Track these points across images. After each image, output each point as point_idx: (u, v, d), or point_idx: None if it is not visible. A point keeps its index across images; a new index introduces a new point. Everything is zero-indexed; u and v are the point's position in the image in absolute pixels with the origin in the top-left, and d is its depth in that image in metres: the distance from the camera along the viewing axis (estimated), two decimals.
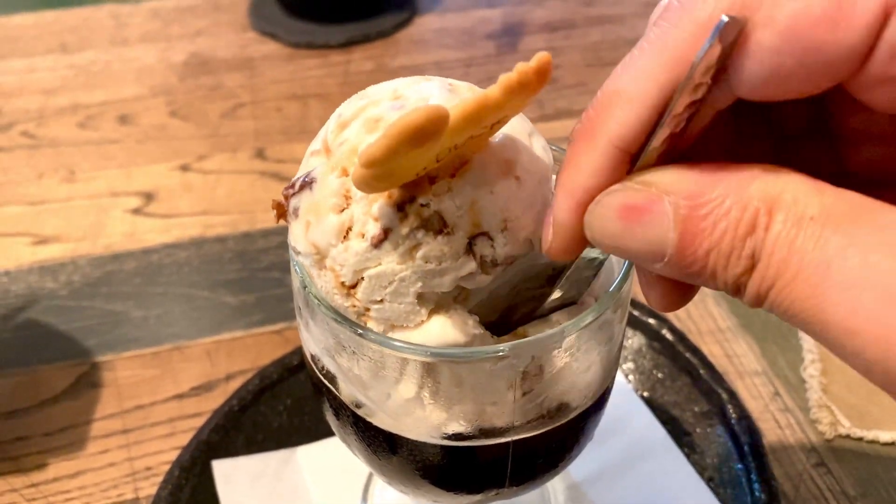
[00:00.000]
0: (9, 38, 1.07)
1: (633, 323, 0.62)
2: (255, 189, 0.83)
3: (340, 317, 0.35)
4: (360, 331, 0.34)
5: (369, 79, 0.99)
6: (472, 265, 0.33)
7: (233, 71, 1.00)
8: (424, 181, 0.32)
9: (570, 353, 0.35)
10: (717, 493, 0.53)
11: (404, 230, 0.32)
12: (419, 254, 0.32)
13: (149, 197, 0.82)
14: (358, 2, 1.08)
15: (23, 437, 0.61)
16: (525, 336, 0.35)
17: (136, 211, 0.80)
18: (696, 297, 0.69)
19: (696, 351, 0.60)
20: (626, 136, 0.27)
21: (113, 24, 1.10)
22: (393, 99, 0.34)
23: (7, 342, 0.68)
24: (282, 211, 0.36)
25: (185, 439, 0.59)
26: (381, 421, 0.37)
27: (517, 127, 0.35)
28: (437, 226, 0.32)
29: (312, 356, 0.39)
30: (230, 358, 0.66)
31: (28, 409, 0.63)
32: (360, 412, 0.38)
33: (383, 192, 0.32)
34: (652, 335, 0.61)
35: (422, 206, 0.32)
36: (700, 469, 0.55)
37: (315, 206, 0.34)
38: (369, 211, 0.33)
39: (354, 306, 0.34)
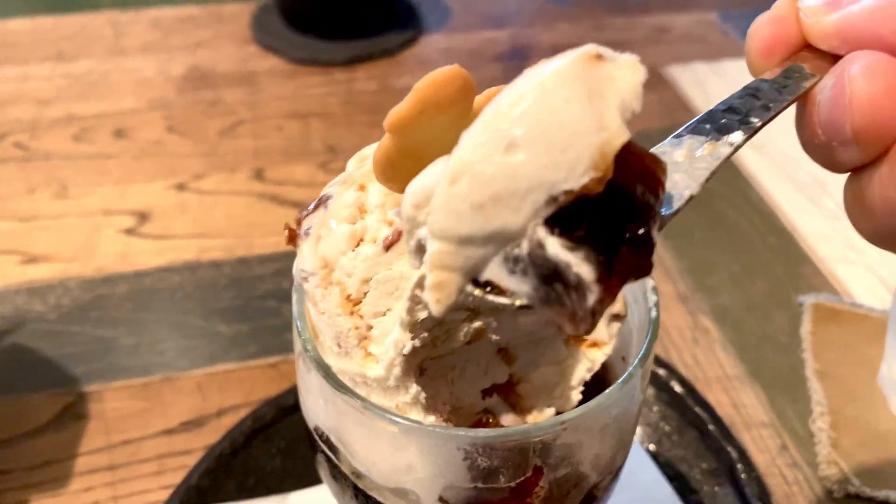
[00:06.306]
0: (4, 43, 1.05)
1: None
2: (253, 212, 0.81)
3: (345, 387, 0.33)
4: (369, 406, 0.32)
5: (373, 99, 0.97)
6: None
7: (233, 86, 0.98)
8: None
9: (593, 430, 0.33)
10: None
11: None
12: None
13: (143, 217, 0.80)
14: (363, 18, 1.06)
15: (4, 470, 0.58)
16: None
17: (130, 231, 0.78)
18: (704, 343, 0.68)
19: (704, 404, 0.58)
20: None
21: (111, 33, 1.07)
22: None
23: None
24: (293, 235, 0.34)
25: (173, 478, 0.57)
26: (382, 495, 0.35)
27: None
28: None
29: (315, 428, 0.37)
30: (222, 392, 0.64)
31: (10, 440, 0.60)
32: (360, 483, 0.36)
33: (400, 200, 0.31)
34: (660, 386, 0.59)
35: None
36: None
37: (328, 219, 0.33)
38: (384, 218, 0.32)
39: (357, 327, 0.32)
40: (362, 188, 0.33)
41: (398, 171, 0.29)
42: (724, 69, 1.05)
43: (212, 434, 0.60)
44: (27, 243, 0.77)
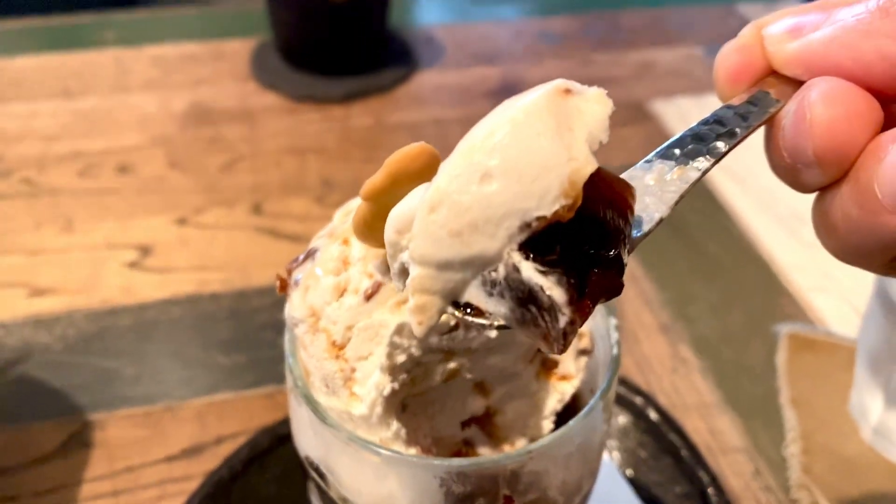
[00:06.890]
0: (12, 81, 1.08)
1: (619, 401, 0.63)
2: (251, 245, 0.84)
3: (334, 422, 0.36)
4: (354, 438, 0.35)
5: (368, 134, 1.00)
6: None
7: (233, 122, 1.02)
8: None
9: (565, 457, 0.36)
10: None
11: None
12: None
13: (145, 250, 0.83)
14: (359, 56, 1.10)
15: (12, 496, 0.61)
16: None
17: (133, 265, 0.81)
18: (682, 371, 0.71)
19: (679, 431, 0.61)
20: None
21: (115, 70, 1.11)
22: None
23: None
24: (284, 284, 0.38)
25: (174, 503, 0.59)
26: None
27: None
28: None
29: (306, 457, 0.40)
30: (221, 420, 0.67)
31: (18, 467, 0.63)
32: None
33: (380, 255, 0.34)
34: (637, 414, 0.62)
35: None
36: None
37: (315, 271, 0.36)
38: (365, 270, 0.35)
39: (342, 370, 0.35)
40: (346, 242, 0.36)
41: (374, 231, 0.32)
42: (709, 103, 1.08)
43: (211, 461, 0.63)
44: (34, 276, 0.80)
